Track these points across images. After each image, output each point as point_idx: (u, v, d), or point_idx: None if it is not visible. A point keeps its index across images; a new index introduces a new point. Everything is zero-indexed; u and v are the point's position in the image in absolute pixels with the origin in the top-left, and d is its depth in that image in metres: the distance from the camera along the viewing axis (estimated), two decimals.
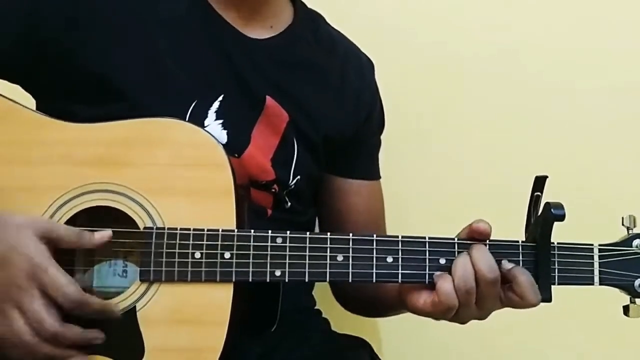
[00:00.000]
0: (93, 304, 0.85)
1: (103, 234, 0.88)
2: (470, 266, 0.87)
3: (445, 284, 0.88)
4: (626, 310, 0.92)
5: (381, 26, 1.35)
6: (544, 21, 1.35)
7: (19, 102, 0.94)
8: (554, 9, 1.35)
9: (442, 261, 0.90)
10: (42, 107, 1.02)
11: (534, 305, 0.89)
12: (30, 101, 1.02)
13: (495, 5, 1.37)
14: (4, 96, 0.94)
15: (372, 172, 1.18)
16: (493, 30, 1.36)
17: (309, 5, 1.14)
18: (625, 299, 0.92)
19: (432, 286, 0.90)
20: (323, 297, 1.22)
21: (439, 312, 0.89)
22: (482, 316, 0.91)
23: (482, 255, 0.88)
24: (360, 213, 1.16)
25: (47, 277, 0.82)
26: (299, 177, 1.07)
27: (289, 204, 1.07)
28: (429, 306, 0.90)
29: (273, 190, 1.05)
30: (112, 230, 0.91)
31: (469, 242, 0.90)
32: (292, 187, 1.07)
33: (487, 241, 0.90)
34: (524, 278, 0.88)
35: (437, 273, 0.89)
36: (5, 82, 1.02)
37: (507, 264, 0.89)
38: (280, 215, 1.06)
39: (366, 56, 1.17)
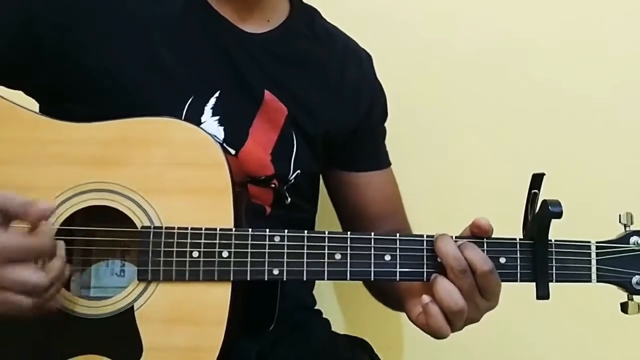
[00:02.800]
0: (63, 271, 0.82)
1: (50, 204, 0.79)
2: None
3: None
4: (624, 307, 0.91)
5: (379, 23, 1.35)
6: (544, 20, 1.35)
7: (17, 103, 0.94)
8: (555, 8, 1.35)
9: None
10: (43, 110, 1.02)
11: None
12: (33, 107, 1.01)
13: (496, 3, 1.37)
14: (1, 96, 0.94)
15: (379, 162, 1.17)
16: (494, 29, 1.36)
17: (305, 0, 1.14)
18: (622, 296, 0.92)
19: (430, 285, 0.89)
20: (323, 297, 1.22)
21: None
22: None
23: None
24: (376, 204, 1.15)
25: (11, 277, 0.77)
26: (299, 171, 1.06)
27: (289, 199, 1.07)
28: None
29: (272, 185, 1.05)
30: (110, 230, 0.91)
31: (466, 239, 0.90)
32: (292, 181, 1.06)
33: (485, 238, 0.90)
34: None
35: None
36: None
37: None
38: (280, 213, 1.06)
39: (364, 50, 1.16)
